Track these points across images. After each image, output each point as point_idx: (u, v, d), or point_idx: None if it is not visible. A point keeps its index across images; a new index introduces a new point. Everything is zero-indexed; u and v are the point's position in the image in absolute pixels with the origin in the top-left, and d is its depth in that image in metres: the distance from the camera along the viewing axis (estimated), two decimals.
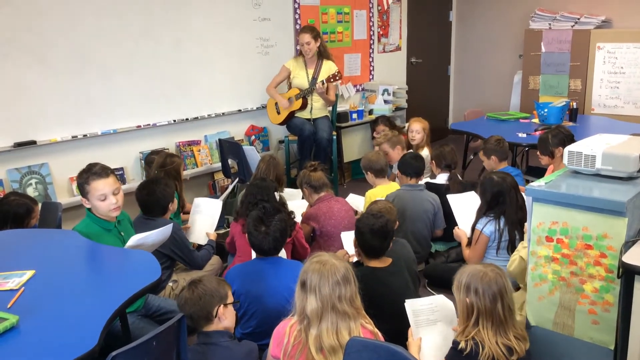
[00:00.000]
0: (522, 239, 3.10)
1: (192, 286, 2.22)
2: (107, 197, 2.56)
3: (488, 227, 3.18)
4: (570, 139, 3.74)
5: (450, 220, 3.74)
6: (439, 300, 2.39)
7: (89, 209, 2.64)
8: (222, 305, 2.20)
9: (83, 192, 2.59)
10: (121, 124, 4.31)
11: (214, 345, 2.17)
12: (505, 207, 3.15)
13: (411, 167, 3.82)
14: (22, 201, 3.09)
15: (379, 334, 2.11)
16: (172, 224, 2.84)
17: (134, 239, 2.52)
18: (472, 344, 2.00)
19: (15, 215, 3.01)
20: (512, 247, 3.14)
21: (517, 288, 2.86)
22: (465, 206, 3.51)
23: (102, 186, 2.55)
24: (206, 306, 2.17)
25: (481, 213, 3.24)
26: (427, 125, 4.81)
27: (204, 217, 3.59)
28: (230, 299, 2.27)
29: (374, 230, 2.65)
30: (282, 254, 2.96)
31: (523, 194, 3.14)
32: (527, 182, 3.82)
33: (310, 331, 2.03)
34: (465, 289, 2.07)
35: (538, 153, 4.00)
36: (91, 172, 2.57)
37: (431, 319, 2.34)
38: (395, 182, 4.03)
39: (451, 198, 3.62)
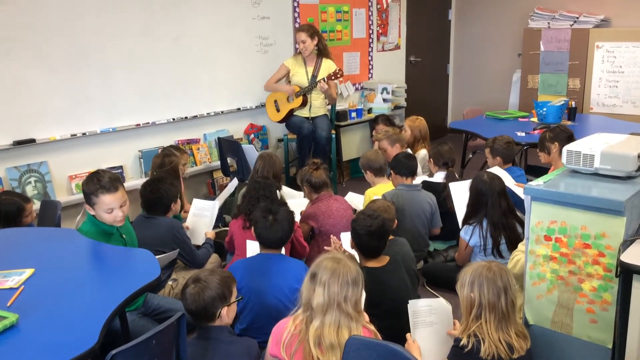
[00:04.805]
0: (510, 246, 3.11)
1: (197, 285, 2.16)
2: (113, 210, 2.55)
3: (473, 238, 3.19)
4: (570, 138, 3.74)
5: (448, 219, 3.75)
6: (438, 303, 2.40)
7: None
8: (225, 307, 2.18)
9: (89, 201, 2.56)
10: (120, 122, 4.30)
11: (214, 341, 2.16)
12: (486, 210, 3.14)
13: (405, 166, 3.77)
14: (13, 200, 3.08)
15: (379, 335, 2.11)
16: (177, 250, 2.92)
17: None
18: (474, 340, 2.01)
19: (7, 214, 3.01)
20: (497, 252, 3.14)
21: None
22: (465, 194, 3.48)
23: (110, 200, 2.53)
24: (210, 307, 2.14)
25: (467, 213, 3.24)
26: (421, 123, 4.78)
27: (202, 219, 3.60)
28: (234, 296, 2.25)
29: (372, 232, 2.65)
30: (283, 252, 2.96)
31: (521, 194, 3.15)
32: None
33: (312, 323, 2.03)
34: (469, 285, 2.07)
35: (538, 151, 4.00)
36: (100, 185, 2.51)
37: (427, 321, 2.34)
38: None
39: (452, 185, 3.62)
